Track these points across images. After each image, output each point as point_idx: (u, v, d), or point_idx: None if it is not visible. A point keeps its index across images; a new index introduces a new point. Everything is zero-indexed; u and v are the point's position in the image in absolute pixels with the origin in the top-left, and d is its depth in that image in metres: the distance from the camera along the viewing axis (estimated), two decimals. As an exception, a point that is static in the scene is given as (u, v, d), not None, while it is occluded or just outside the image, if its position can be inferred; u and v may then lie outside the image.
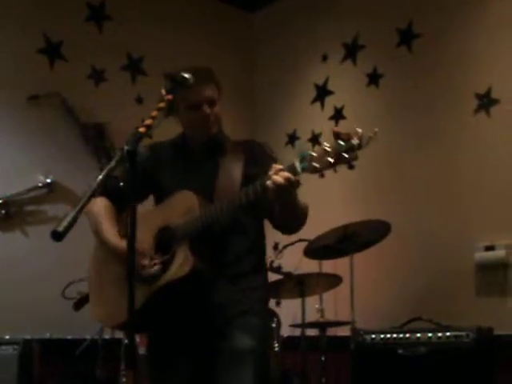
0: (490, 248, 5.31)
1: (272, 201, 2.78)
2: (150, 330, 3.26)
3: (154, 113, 2.59)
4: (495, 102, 5.44)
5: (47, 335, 5.74)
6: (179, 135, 3.33)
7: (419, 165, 5.88)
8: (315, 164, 2.49)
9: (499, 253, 5.24)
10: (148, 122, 2.53)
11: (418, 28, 6.03)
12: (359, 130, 2.38)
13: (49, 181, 6.04)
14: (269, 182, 2.66)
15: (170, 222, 3.02)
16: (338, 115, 6.67)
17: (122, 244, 3.01)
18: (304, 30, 7.09)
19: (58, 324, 5.68)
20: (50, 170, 6.05)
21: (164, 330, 3.11)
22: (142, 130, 2.47)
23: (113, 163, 2.35)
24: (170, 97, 2.71)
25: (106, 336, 5.32)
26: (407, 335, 4.63)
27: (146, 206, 3.23)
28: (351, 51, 6.62)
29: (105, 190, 3.25)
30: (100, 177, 2.32)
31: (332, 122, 6.68)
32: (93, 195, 2.29)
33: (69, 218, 2.16)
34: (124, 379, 4.95)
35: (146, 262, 2.99)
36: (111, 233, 3.14)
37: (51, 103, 6.20)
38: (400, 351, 4.60)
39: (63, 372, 5.64)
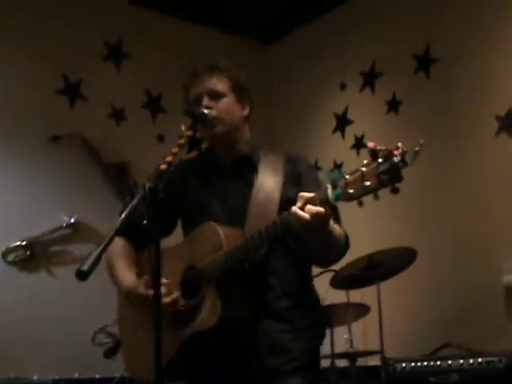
0: (518, 271, 5.26)
1: (299, 235, 2.46)
2: (185, 379, 2.91)
3: (175, 149, 2.57)
4: (517, 123, 5.42)
5: (75, 375, 5.73)
6: (207, 149, 3.07)
7: (443, 190, 5.85)
8: (350, 190, 2.11)
9: (528, 275, 5.19)
10: (169, 158, 2.51)
11: (435, 53, 6.02)
12: (400, 145, 2.01)
13: (73, 221, 6.06)
14: (290, 217, 2.37)
15: (197, 260, 2.75)
16: (359, 144, 6.66)
17: (138, 286, 2.79)
18: (321, 59, 7.10)
19: (86, 363, 5.66)
20: (74, 210, 6.07)
21: (200, 378, 2.80)
22: (163, 167, 2.46)
23: (135, 201, 2.31)
24: (190, 133, 2.66)
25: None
26: (438, 363, 4.56)
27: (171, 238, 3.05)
28: (369, 79, 6.62)
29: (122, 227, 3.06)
30: (123, 215, 2.29)
31: (353, 151, 6.67)
32: (116, 233, 2.26)
33: (93, 257, 2.13)
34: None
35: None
36: (128, 275, 2.92)
37: (73, 143, 6.24)
38: (432, 379, 4.54)
39: (93, 412, 5.63)
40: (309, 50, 7.28)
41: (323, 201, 2.26)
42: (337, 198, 2.20)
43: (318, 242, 2.53)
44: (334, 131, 6.93)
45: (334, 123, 6.94)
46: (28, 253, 5.93)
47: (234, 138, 2.94)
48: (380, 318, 5.05)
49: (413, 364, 4.68)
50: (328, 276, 5.20)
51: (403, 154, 2.00)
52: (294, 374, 2.70)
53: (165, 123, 6.74)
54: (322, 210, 2.28)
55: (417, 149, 1.96)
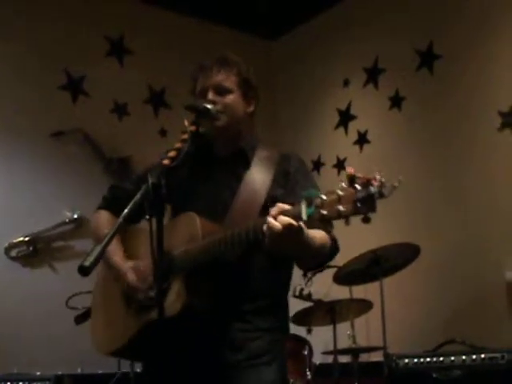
0: (521, 266, 5.25)
1: (268, 246, 2.35)
2: (146, 361, 2.93)
3: (178, 144, 2.56)
4: (519, 119, 5.41)
5: (78, 370, 5.73)
6: (206, 140, 2.89)
7: (446, 186, 5.84)
8: (323, 211, 2.08)
9: (531, 271, 5.18)
10: (172, 154, 2.50)
11: (438, 49, 6.01)
12: (378, 176, 1.99)
13: (75, 216, 6.06)
14: (264, 227, 2.30)
15: (172, 247, 2.64)
16: (362, 140, 6.66)
17: (126, 270, 2.78)
18: (324, 56, 7.10)
19: (89, 359, 5.66)
20: (76, 206, 6.06)
21: (161, 362, 2.67)
22: (166, 162, 2.46)
23: (138, 196, 2.28)
24: (193, 128, 2.62)
25: (138, 369, 5.29)
26: (441, 359, 4.54)
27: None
28: (372, 75, 6.61)
29: (112, 202, 3.10)
30: (126, 210, 2.26)
31: (356, 147, 6.67)
32: (119, 230, 2.24)
33: (95, 253, 2.12)
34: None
35: (144, 288, 2.70)
36: (118, 255, 2.87)
37: (75, 139, 6.24)
38: (435, 375, 4.52)
39: (96, 407, 5.63)
40: (312, 46, 7.27)
41: (296, 216, 2.23)
42: (309, 217, 2.15)
43: (294, 252, 2.47)
44: (337, 127, 6.93)
45: (337, 119, 6.93)
46: (31, 248, 5.95)
47: (235, 133, 2.90)
48: (383, 313, 5.04)
49: (415, 360, 4.65)
50: (331, 272, 5.20)
51: (381, 186, 1.99)
52: (255, 369, 2.69)
53: (167, 118, 6.74)
54: (293, 222, 2.24)
55: (395, 184, 1.96)
